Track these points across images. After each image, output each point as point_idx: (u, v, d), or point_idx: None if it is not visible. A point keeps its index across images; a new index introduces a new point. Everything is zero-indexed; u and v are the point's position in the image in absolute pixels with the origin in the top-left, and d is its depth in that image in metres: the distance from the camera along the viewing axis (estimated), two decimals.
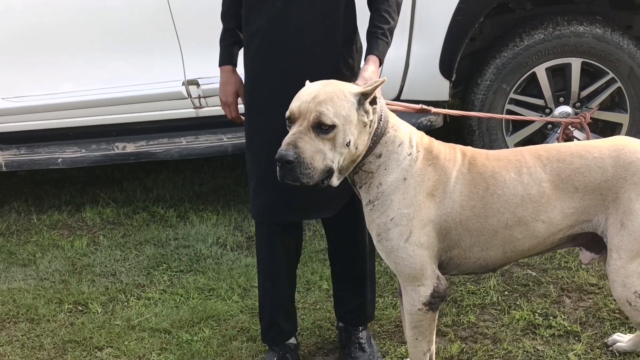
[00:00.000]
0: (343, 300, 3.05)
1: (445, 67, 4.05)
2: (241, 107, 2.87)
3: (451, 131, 4.42)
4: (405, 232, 2.41)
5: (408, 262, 2.43)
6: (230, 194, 4.72)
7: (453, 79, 4.09)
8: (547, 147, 2.58)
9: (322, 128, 2.27)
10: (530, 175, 2.44)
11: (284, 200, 2.75)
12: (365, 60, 2.63)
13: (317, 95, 2.29)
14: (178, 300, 3.55)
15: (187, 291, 3.61)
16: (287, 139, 2.28)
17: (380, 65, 2.61)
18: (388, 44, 2.66)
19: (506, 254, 2.50)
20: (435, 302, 2.48)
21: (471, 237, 2.46)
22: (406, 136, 2.45)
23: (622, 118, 4.12)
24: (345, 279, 3.01)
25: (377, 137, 2.39)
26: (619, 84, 4.06)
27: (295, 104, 2.31)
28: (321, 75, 2.51)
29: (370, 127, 2.36)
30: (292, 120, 2.32)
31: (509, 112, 4.13)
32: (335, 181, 2.37)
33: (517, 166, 2.46)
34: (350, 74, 2.71)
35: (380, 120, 2.40)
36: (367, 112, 2.33)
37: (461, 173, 2.45)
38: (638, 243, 2.36)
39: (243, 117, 2.86)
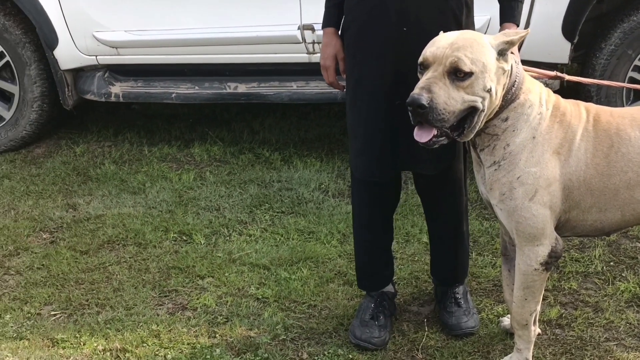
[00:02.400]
0: (436, 258, 3.02)
1: (568, 29, 3.91)
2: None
3: (567, 96, 4.26)
4: (531, 191, 2.36)
5: (531, 221, 2.38)
6: (335, 143, 4.74)
7: (575, 41, 3.94)
8: None
9: (457, 75, 2.21)
10: None
11: (387, 160, 2.71)
12: (502, 27, 2.55)
13: (455, 41, 2.24)
14: (278, 239, 3.61)
15: (287, 231, 3.67)
16: (421, 83, 2.24)
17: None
18: (521, 4, 2.59)
19: (625, 216, 2.42)
20: (551, 262, 2.44)
21: (592, 197, 2.39)
22: (537, 96, 2.38)
23: None
24: (439, 237, 2.97)
25: (507, 101, 2.33)
26: None
27: (430, 49, 2.26)
28: (424, 27, 2.50)
29: (507, 77, 2.30)
30: (426, 66, 2.27)
31: (632, 79, 3.96)
32: (470, 135, 2.32)
33: None
34: (457, 28, 2.58)
35: (514, 86, 2.33)
36: (507, 60, 2.28)
37: (586, 130, 2.37)
38: None
39: (342, 84, 2.81)
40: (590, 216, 2.43)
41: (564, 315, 2.97)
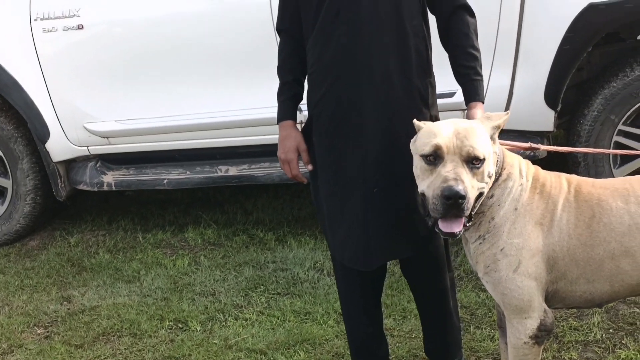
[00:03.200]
0: (427, 337, 2.99)
1: (551, 97, 3.96)
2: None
3: (555, 163, 4.31)
4: (514, 262, 2.36)
5: (516, 293, 2.38)
6: None
7: (558, 109, 3.99)
8: None
9: (473, 163, 2.25)
10: (638, 205, 2.36)
11: (374, 248, 2.65)
12: (468, 107, 2.56)
13: (458, 131, 2.26)
14: (274, 322, 3.59)
15: (283, 314, 3.65)
16: (450, 174, 2.20)
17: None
18: (482, 81, 2.60)
19: (614, 287, 2.41)
20: (541, 335, 2.41)
21: (578, 268, 2.39)
22: (517, 169, 2.41)
23: None
24: (427, 315, 2.94)
25: (493, 180, 2.37)
26: None
27: (441, 140, 2.25)
28: (395, 109, 2.52)
29: (496, 159, 2.36)
30: (439, 155, 2.25)
31: (617, 144, 4.00)
32: (466, 226, 2.32)
33: (625, 194, 2.38)
34: (426, 110, 2.62)
35: (496, 165, 2.36)
36: (495, 145, 2.34)
37: (567, 201, 2.39)
38: None
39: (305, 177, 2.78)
40: (579, 287, 2.42)
41: None
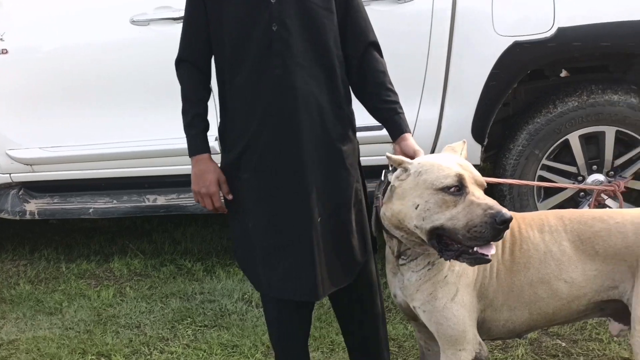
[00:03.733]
0: None
1: (478, 131, 4.04)
2: None
3: None
4: (452, 290, 2.42)
5: (451, 322, 2.42)
6: None
7: (485, 143, 4.08)
8: (570, 210, 2.61)
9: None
10: (551, 234, 2.47)
11: (318, 278, 2.60)
12: (400, 139, 2.58)
13: (460, 162, 2.34)
14: (201, 355, 3.52)
15: (210, 347, 3.58)
16: (489, 201, 2.25)
17: None
18: (404, 114, 2.65)
19: (532, 315, 2.49)
20: None
21: (502, 295, 2.47)
22: None
23: None
24: (359, 345, 2.92)
25: None
26: None
27: (460, 170, 2.29)
28: (331, 138, 2.55)
29: None
30: (463, 185, 2.27)
31: (541, 178, 4.10)
32: None
33: (540, 224, 2.49)
34: (354, 137, 2.66)
35: None
36: None
37: None
38: None
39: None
40: (502, 315, 2.49)
41: None
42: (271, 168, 2.58)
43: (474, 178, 2.30)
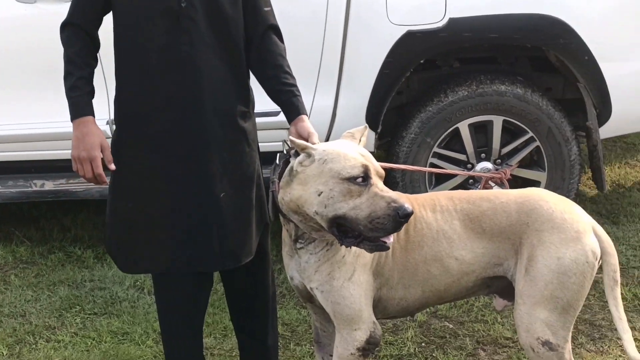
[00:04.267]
0: (246, 351, 2.98)
1: (372, 119, 4.10)
2: None
3: None
4: (350, 270, 2.46)
5: (349, 301, 2.45)
6: None
7: (379, 130, 4.14)
8: (460, 191, 2.72)
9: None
10: (443, 213, 2.55)
11: (221, 249, 2.62)
12: (297, 120, 2.59)
13: (361, 152, 2.39)
14: (89, 343, 3.43)
15: (99, 334, 3.50)
16: (393, 194, 2.31)
17: None
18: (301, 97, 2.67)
19: (425, 292, 2.56)
20: (368, 348, 2.49)
21: (398, 273, 2.53)
22: None
23: (540, 176, 4.24)
24: (250, 330, 2.93)
25: None
26: (537, 143, 4.18)
27: (367, 161, 2.34)
28: (235, 114, 2.57)
29: None
30: (368, 176, 2.30)
31: (433, 165, 4.20)
32: None
33: (432, 204, 2.57)
34: (253, 114, 2.70)
35: None
36: None
37: None
38: (539, 290, 2.43)
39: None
40: (397, 293, 2.55)
41: None
42: (175, 144, 2.54)
43: (375, 169, 2.34)
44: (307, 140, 2.46)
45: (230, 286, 2.91)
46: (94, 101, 2.63)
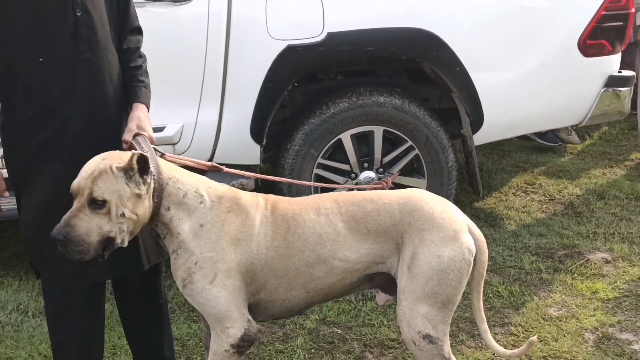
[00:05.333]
0: (141, 357, 2.99)
1: (256, 132, 4.17)
2: None
3: (264, 192, 4.50)
4: (210, 274, 2.49)
5: (213, 302, 2.50)
6: None
7: (264, 143, 4.21)
8: (344, 193, 2.76)
9: (97, 203, 2.35)
10: (327, 216, 2.60)
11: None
12: (131, 108, 2.68)
13: (93, 171, 2.38)
14: None
15: None
16: (65, 216, 2.33)
17: (148, 111, 2.69)
18: (146, 89, 2.73)
19: (309, 293, 2.62)
20: (243, 345, 2.54)
21: (276, 278, 2.57)
22: (191, 186, 2.55)
23: (421, 183, 4.41)
24: (143, 335, 2.96)
25: (159, 192, 2.48)
26: (416, 151, 4.36)
27: (76, 181, 2.39)
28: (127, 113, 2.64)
29: (147, 193, 2.44)
30: (74, 196, 2.38)
31: (318, 176, 4.30)
32: (125, 242, 2.43)
33: (316, 208, 2.63)
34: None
35: (157, 176, 2.47)
36: (138, 182, 2.40)
37: (265, 217, 2.58)
38: (421, 286, 2.54)
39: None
40: (279, 296, 2.60)
41: None
42: (90, 151, 2.51)
43: (85, 188, 2.38)
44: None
45: (122, 298, 2.93)
46: None
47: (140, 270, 2.77)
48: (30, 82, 2.56)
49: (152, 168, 2.45)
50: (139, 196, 2.41)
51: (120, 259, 2.64)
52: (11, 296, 4.02)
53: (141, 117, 2.61)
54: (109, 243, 2.40)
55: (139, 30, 2.80)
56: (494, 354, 3.38)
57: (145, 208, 2.44)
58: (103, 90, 2.62)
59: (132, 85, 2.68)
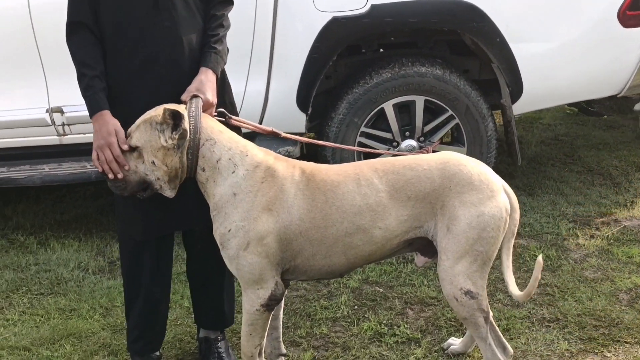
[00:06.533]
0: (202, 309, 3.22)
1: (302, 102, 4.33)
2: None
3: (308, 159, 4.68)
4: (243, 243, 2.64)
5: (248, 268, 2.67)
6: (93, 222, 4.77)
7: (309, 112, 4.38)
8: (382, 160, 2.84)
9: (133, 148, 2.67)
10: (368, 187, 2.71)
11: (168, 217, 2.90)
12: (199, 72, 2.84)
13: (141, 119, 2.65)
14: (38, 320, 3.58)
15: (47, 312, 3.65)
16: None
17: (216, 77, 2.85)
18: (218, 55, 2.86)
19: (349, 259, 2.76)
20: (271, 304, 2.73)
21: (313, 247, 2.70)
22: (226, 153, 2.68)
23: (461, 151, 4.52)
24: (205, 287, 3.18)
25: (194, 150, 2.64)
26: (457, 120, 4.49)
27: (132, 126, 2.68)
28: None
29: (179, 148, 2.63)
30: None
31: (360, 144, 4.46)
32: (165, 190, 2.68)
33: (356, 179, 2.72)
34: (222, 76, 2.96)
35: (193, 135, 2.63)
36: (167, 137, 2.62)
37: (299, 189, 2.68)
38: (462, 245, 2.69)
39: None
40: (317, 262, 2.74)
41: (316, 357, 3.25)
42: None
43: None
44: None
45: (191, 247, 3.16)
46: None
47: (203, 224, 2.92)
48: (114, 49, 2.79)
49: (185, 126, 2.60)
50: (167, 149, 2.61)
51: (184, 214, 2.88)
52: (72, 255, 4.27)
53: (203, 81, 2.76)
54: (148, 186, 2.69)
55: (229, 1, 2.96)
56: (529, 311, 3.53)
57: (175, 162, 2.63)
58: (179, 56, 2.79)
59: (204, 50, 2.83)
